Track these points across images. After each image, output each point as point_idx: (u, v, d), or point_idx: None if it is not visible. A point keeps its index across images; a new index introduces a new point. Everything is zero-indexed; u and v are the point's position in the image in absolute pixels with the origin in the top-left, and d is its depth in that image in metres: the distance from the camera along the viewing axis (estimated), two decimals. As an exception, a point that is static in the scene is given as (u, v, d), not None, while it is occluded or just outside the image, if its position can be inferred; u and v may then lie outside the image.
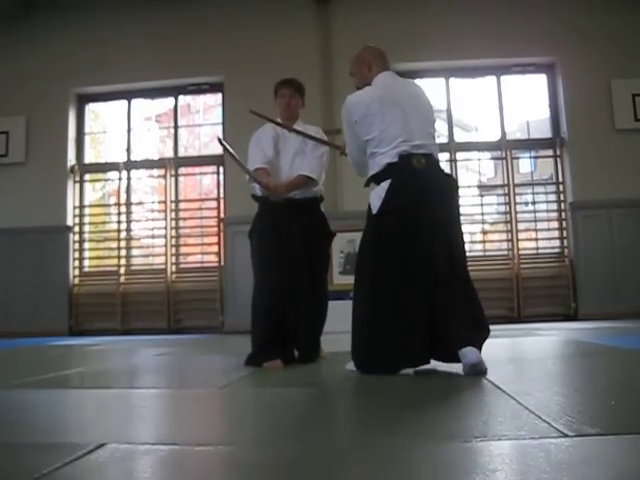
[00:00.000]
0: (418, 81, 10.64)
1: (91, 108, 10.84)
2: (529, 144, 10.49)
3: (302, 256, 4.45)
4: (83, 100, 10.61)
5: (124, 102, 10.66)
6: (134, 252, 10.52)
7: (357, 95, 3.99)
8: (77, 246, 10.24)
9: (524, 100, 10.31)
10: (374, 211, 3.81)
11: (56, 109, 10.23)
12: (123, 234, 10.27)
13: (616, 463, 1.53)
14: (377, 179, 3.81)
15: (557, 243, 9.80)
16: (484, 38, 9.56)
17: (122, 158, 10.49)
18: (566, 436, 1.75)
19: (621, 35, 9.31)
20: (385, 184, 3.72)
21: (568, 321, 8.81)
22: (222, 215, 9.97)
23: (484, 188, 11.75)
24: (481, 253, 10.09)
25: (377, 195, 3.80)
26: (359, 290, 3.78)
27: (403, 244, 3.57)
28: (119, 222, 10.27)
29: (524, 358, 4.46)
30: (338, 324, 8.38)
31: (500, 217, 10.26)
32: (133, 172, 10.56)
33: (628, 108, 9.22)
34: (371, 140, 3.77)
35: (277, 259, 4.37)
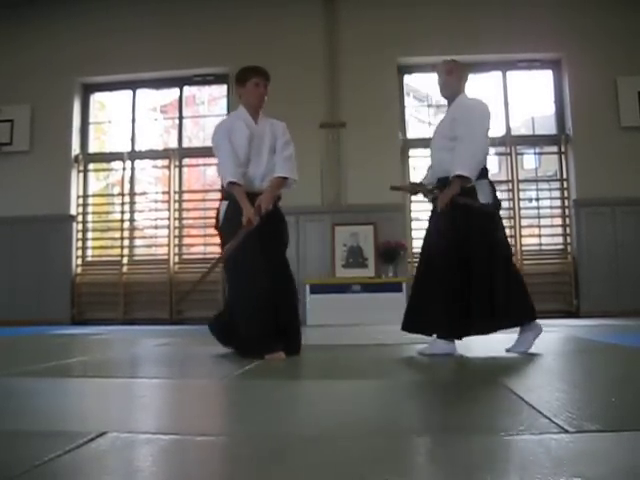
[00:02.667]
0: (422, 76, 10.69)
1: (96, 98, 10.83)
2: (534, 140, 10.47)
3: (279, 252, 4.63)
4: (88, 90, 10.61)
5: (129, 92, 10.66)
6: (137, 242, 10.53)
7: None
8: (80, 235, 10.25)
9: (529, 96, 10.29)
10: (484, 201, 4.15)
11: (61, 98, 10.23)
12: (126, 224, 10.28)
13: (615, 459, 1.54)
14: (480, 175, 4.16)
15: (560, 240, 9.80)
16: (489, 33, 9.54)
17: (126, 148, 10.49)
18: (566, 432, 1.76)
19: (627, 32, 9.28)
20: (486, 182, 4.20)
21: (569, 318, 8.81)
22: (225, 206, 9.97)
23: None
24: (484, 248, 10.07)
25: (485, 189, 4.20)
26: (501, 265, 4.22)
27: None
28: (122, 212, 10.29)
29: (522, 354, 4.45)
30: (347, 317, 8.46)
31: (504, 212, 10.22)
32: (137, 162, 10.56)
33: (634, 106, 9.19)
34: None
35: (267, 253, 4.40)
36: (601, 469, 1.44)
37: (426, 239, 4.48)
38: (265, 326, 4.18)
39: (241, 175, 4.35)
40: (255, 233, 4.25)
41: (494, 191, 4.26)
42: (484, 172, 4.20)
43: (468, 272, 4.08)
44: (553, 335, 6.02)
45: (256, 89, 4.55)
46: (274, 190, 4.50)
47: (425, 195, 4.71)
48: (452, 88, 4.43)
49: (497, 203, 4.30)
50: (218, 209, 4.58)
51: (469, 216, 4.11)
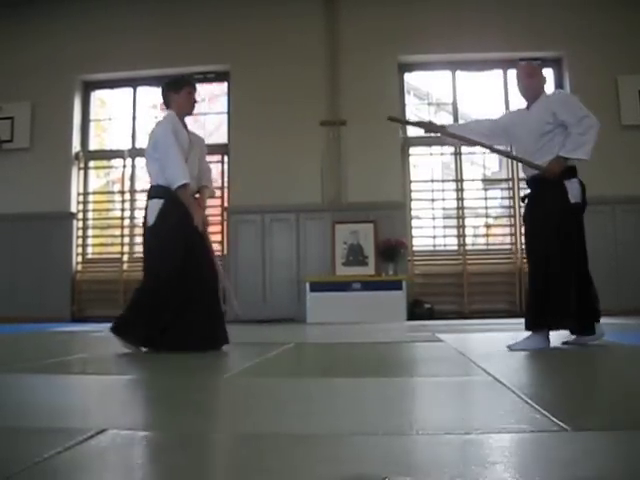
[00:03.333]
0: (423, 74, 10.71)
1: (97, 95, 10.84)
2: (534, 138, 10.46)
3: (202, 249, 4.69)
4: (89, 87, 10.61)
5: (130, 90, 10.66)
6: (137, 240, 10.50)
7: None
8: (80, 233, 10.26)
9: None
10: (574, 200, 4.38)
11: (61, 95, 10.23)
12: (127, 221, 10.29)
13: (615, 458, 1.54)
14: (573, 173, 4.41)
15: (560, 238, 9.79)
16: (491, 31, 9.54)
17: (127, 145, 10.49)
18: (565, 430, 1.76)
19: (628, 31, 9.28)
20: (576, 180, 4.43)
21: (570, 316, 8.79)
22: (226, 204, 9.98)
23: (488, 182, 11.73)
24: (484, 247, 10.10)
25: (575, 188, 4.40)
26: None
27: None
28: (123, 209, 10.30)
29: (524, 353, 4.46)
30: (347, 315, 8.47)
31: (504, 211, 10.26)
32: (138, 160, 10.55)
33: (634, 104, 9.20)
34: None
35: (192, 251, 4.55)
36: (600, 468, 1.45)
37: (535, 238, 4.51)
38: (159, 320, 4.38)
39: (189, 176, 4.52)
40: (188, 233, 4.50)
41: (584, 191, 4.47)
42: (573, 170, 4.41)
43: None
44: (552, 334, 6.01)
45: (190, 97, 4.87)
46: (203, 201, 4.78)
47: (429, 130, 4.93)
48: (534, 90, 4.62)
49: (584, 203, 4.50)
50: (147, 207, 4.66)
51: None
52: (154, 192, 4.62)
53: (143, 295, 4.53)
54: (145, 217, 4.65)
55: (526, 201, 4.65)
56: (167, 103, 4.91)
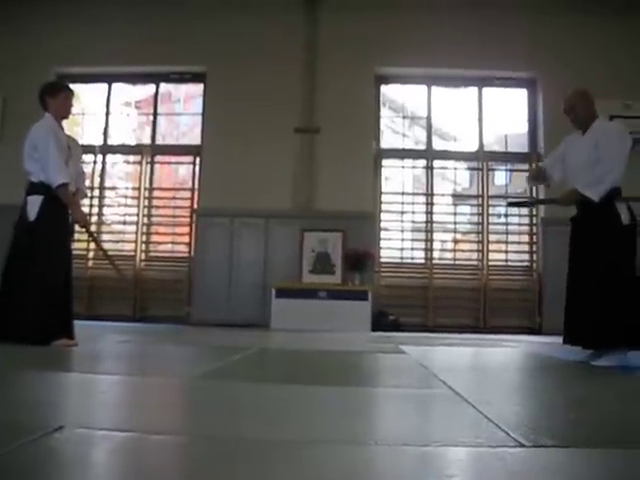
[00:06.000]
0: (400, 87, 10.77)
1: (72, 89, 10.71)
2: (506, 157, 10.59)
3: (70, 242, 5.04)
4: (63, 80, 10.47)
5: (104, 85, 10.57)
6: (104, 237, 10.42)
7: None
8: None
9: (504, 113, 10.40)
10: (626, 222, 4.44)
11: (35, 88, 10.04)
12: (94, 218, 10.18)
13: (571, 475, 1.55)
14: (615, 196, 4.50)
15: (526, 257, 9.91)
16: (466, 49, 9.62)
17: (98, 141, 10.39)
18: (523, 446, 1.77)
19: (602, 56, 9.39)
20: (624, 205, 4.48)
21: (532, 334, 8.89)
22: (195, 206, 9.94)
23: (458, 197, 11.85)
24: (451, 262, 10.16)
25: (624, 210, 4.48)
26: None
27: None
28: (91, 206, 10.16)
29: (486, 368, 4.49)
30: (311, 323, 8.47)
31: (472, 227, 10.33)
32: (109, 156, 10.47)
33: (606, 128, 9.30)
34: None
35: (67, 246, 4.90)
36: (555, 484, 1.46)
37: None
38: (57, 314, 4.63)
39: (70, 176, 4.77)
40: (66, 229, 4.85)
41: (632, 213, 4.51)
42: (619, 193, 4.49)
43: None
44: (514, 350, 6.07)
45: (66, 102, 5.06)
46: (80, 203, 5.10)
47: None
48: (585, 118, 4.76)
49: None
50: (26, 203, 4.85)
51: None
52: (33, 188, 4.82)
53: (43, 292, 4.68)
54: (23, 213, 4.82)
55: (572, 221, 4.79)
56: (44, 106, 5.04)
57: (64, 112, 5.08)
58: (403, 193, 10.31)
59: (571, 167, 4.78)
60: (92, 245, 10.01)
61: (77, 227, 5.16)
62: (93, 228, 9.97)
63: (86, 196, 5.51)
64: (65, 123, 5.24)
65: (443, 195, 10.81)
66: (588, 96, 4.80)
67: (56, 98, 4.99)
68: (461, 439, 1.88)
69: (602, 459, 1.70)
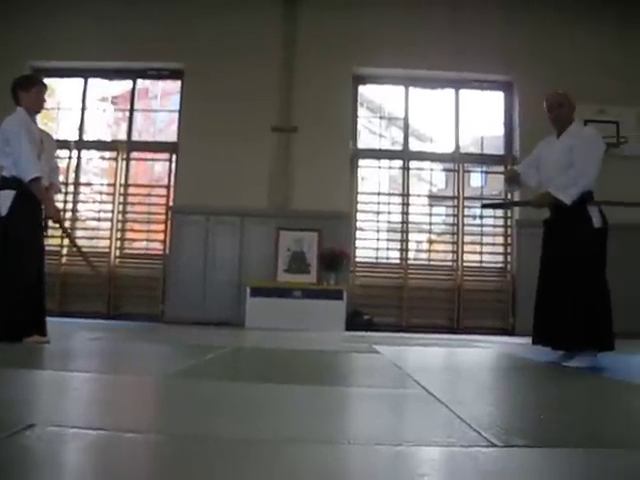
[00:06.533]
0: (378, 87, 10.79)
1: (46, 83, 10.60)
2: (481, 159, 10.66)
3: (43, 238, 5.04)
4: (39, 74, 10.35)
5: (80, 80, 10.47)
6: (78, 233, 10.32)
7: None
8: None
9: (480, 115, 10.45)
10: (598, 225, 4.51)
11: (8, 81, 9.97)
12: (68, 214, 10.08)
13: (542, 475, 1.57)
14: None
15: (500, 258, 9.97)
16: (444, 51, 9.66)
17: (74, 137, 10.29)
18: (495, 446, 1.78)
19: (577, 61, 9.47)
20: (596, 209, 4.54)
21: (505, 335, 8.95)
22: (171, 203, 9.88)
23: (434, 198, 11.90)
24: (426, 262, 10.21)
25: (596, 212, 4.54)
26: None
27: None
28: (65, 202, 10.06)
29: (459, 368, 4.52)
30: (286, 322, 8.47)
31: (447, 228, 10.38)
32: (84, 152, 10.38)
33: (580, 132, 9.38)
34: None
35: (40, 241, 4.90)
36: (526, 484, 1.47)
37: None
38: (28, 311, 4.62)
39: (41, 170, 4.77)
40: (39, 224, 4.83)
41: (604, 217, 4.58)
42: (591, 196, 4.58)
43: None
44: (488, 351, 6.11)
45: (39, 96, 5.04)
46: (53, 197, 5.08)
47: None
48: (569, 117, 4.80)
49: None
50: None
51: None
52: (5, 183, 4.76)
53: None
54: None
55: (546, 224, 4.84)
56: (17, 100, 5.01)
57: (37, 106, 5.05)
58: (379, 193, 10.33)
59: (545, 169, 4.84)
60: (65, 241, 9.93)
61: (50, 222, 5.12)
62: (67, 224, 9.88)
63: (60, 191, 5.47)
64: (40, 118, 5.21)
65: (419, 196, 10.85)
66: (570, 100, 4.86)
67: (28, 92, 4.95)
68: (434, 439, 1.89)
69: (573, 459, 1.72)
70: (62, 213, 10.03)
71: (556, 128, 4.85)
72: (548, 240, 4.77)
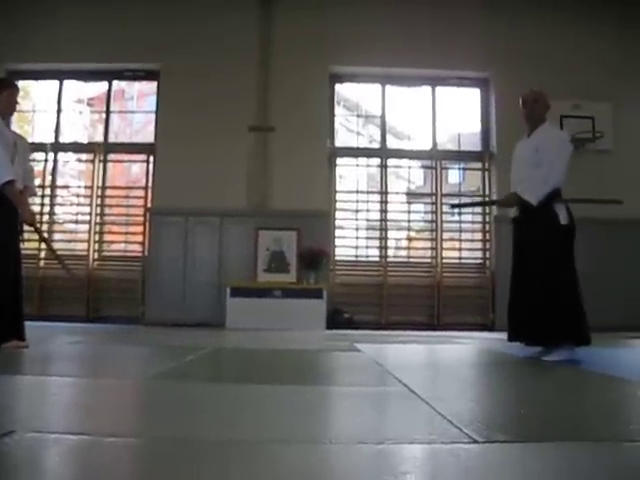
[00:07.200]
0: (354, 86, 10.80)
1: (21, 85, 10.51)
2: (459, 156, 10.71)
3: (19, 242, 5.01)
4: (12, 76, 10.24)
5: (55, 82, 10.39)
6: (56, 236, 10.26)
7: None
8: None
9: (457, 112, 10.49)
10: (564, 222, 4.55)
11: (-17, 84, 9.89)
12: (46, 217, 10.01)
13: (522, 469, 1.58)
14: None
15: (479, 254, 10.02)
16: (421, 48, 9.69)
17: (50, 139, 10.21)
18: (476, 442, 1.80)
19: (553, 57, 9.54)
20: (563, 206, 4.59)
21: (485, 331, 8.99)
22: (149, 205, 9.84)
23: (412, 196, 11.93)
24: (405, 259, 10.23)
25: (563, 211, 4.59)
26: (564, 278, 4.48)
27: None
28: (42, 205, 9.98)
29: (440, 365, 4.54)
30: (267, 322, 8.47)
31: (426, 225, 10.40)
32: (60, 154, 10.31)
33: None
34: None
35: (16, 245, 4.86)
36: (509, 478, 1.48)
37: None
38: (6, 316, 4.58)
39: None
40: (15, 228, 4.80)
41: (571, 214, 4.62)
42: (559, 195, 4.63)
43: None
44: (468, 347, 6.15)
45: (11, 99, 4.95)
46: (27, 200, 5.02)
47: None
48: (540, 116, 4.86)
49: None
50: None
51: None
52: None
53: None
54: None
55: (515, 222, 4.93)
56: None
57: (8, 109, 4.98)
58: (357, 191, 10.34)
59: (515, 168, 4.95)
60: (43, 245, 9.86)
61: (26, 226, 5.08)
62: (45, 227, 9.83)
63: (35, 194, 5.41)
64: (15, 120, 5.16)
65: (397, 193, 10.88)
66: (543, 99, 4.91)
67: (0, 95, 4.88)
68: (415, 436, 1.90)
69: (554, 453, 1.73)
70: (38, 217, 10.02)
71: (528, 125, 4.91)
72: (517, 238, 4.86)
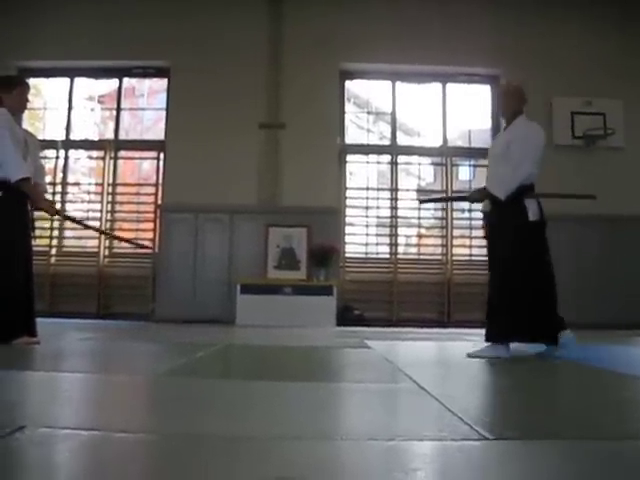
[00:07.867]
0: (364, 82, 10.78)
1: (32, 83, 10.55)
2: (469, 152, 10.67)
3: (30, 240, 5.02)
4: (24, 74, 10.29)
5: (66, 80, 10.42)
6: (67, 233, 10.29)
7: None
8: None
9: (467, 109, 10.46)
10: (534, 218, 4.55)
11: (-6, 81, 9.92)
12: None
13: (533, 467, 1.57)
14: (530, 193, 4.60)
15: (490, 251, 9.97)
16: (431, 45, 9.67)
17: (61, 136, 10.25)
18: (486, 439, 1.79)
19: (565, 54, 9.50)
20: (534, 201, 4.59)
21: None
22: (159, 202, 9.86)
23: (423, 193, 11.90)
24: (416, 256, 10.22)
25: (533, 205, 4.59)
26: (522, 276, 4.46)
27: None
28: (53, 202, 9.99)
29: (450, 362, 4.53)
30: (277, 318, 8.47)
31: (436, 222, 10.39)
32: (71, 152, 10.34)
33: (567, 125, 9.41)
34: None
35: (27, 242, 4.89)
36: (518, 476, 1.48)
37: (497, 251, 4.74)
38: (17, 312, 4.61)
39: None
40: (26, 225, 4.84)
41: (542, 210, 4.64)
42: (532, 189, 4.62)
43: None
44: (478, 344, 6.11)
45: (22, 97, 4.98)
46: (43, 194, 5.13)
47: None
48: (512, 109, 4.76)
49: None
50: None
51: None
52: None
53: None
54: None
55: (486, 216, 4.92)
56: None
57: (20, 107, 5.03)
58: (368, 188, 10.34)
59: (488, 162, 4.97)
60: (55, 241, 9.90)
61: (37, 223, 5.12)
62: (56, 224, 9.86)
63: (46, 192, 5.44)
64: (26, 118, 5.19)
65: (407, 190, 10.89)
66: (516, 92, 4.81)
67: (10, 93, 4.89)
68: (425, 433, 1.90)
69: (565, 451, 1.73)
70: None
71: (504, 118, 4.88)
72: (489, 233, 4.85)
